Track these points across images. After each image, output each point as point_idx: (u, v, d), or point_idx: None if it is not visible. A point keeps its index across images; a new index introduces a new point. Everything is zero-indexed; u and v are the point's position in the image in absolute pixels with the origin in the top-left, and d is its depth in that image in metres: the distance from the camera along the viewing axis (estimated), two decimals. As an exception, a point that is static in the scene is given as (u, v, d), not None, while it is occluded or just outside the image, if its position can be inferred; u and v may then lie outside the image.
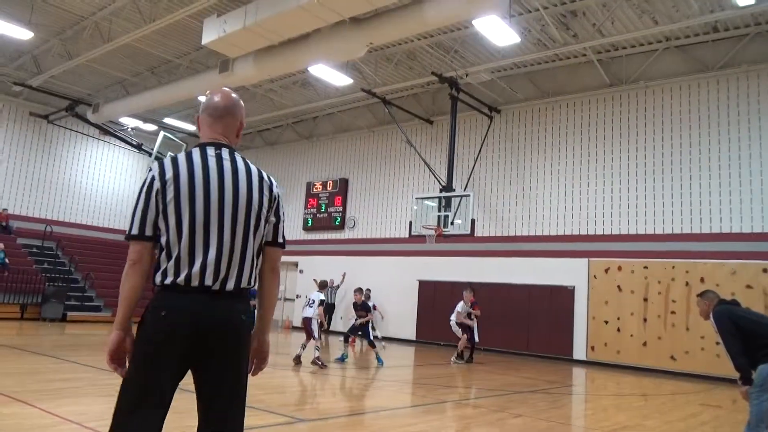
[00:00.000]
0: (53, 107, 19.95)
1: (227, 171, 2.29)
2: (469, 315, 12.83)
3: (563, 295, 14.78)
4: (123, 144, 21.25)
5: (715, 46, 13.51)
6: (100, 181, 22.34)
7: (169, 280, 2.16)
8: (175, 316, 2.14)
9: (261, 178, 2.38)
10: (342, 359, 11.42)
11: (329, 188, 20.76)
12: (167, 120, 21.11)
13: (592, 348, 14.23)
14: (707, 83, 13.68)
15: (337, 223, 20.31)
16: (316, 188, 21.15)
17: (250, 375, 2.40)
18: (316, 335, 10.60)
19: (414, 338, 17.14)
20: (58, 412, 5.34)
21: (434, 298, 16.85)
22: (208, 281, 2.17)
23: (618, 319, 13.95)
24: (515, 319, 15.31)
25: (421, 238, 15.22)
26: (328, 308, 18.52)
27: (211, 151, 2.33)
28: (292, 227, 21.80)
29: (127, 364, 2.20)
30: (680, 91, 14.05)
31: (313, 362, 10.33)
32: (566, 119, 15.76)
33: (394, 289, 17.55)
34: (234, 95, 2.50)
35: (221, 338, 2.17)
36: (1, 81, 18.85)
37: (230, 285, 2.21)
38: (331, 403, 7.58)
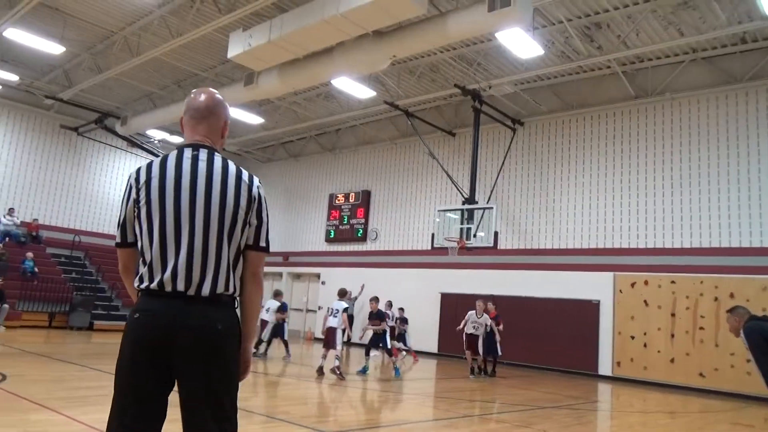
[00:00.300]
0: (83, 120, 20.41)
1: (201, 172, 2.21)
2: (485, 327, 12.47)
3: (588, 310, 14.56)
4: (150, 156, 21.60)
5: (744, 57, 13.30)
6: (127, 193, 22.69)
7: (144, 285, 2.14)
8: (146, 319, 2.10)
9: (239, 178, 2.27)
10: (363, 371, 11.38)
11: (351, 200, 20.83)
12: (193, 132, 21.36)
13: (618, 363, 13.96)
14: (735, 95, 13.45)
15: (359, 235, 20.34)
16: (339, 200, 21.23)
17: None
18: (339, 345, 10.58)
19: (436, 351, 17.02)
20: (84, 419, 5.40)
21: (456, 311, 16.68)
22: (180, 286, 2.11)
23: (644, 334, 13.68)
24: (539, 333, 15.11)
25: (443, 251, 15.15)
26: (348, 319, 18.48)
27: (187, 153, 2.26)
28: (315, 239, 21.90)
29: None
30: (707, 103, 13.84)
31: (332, 371, 10.31)
32: (590, 132, 15.62)
33: (416, 301, 17.45)
34: (217, 95, 2.42)
35: (193, 346, 2.08)
36: (34, 94, 19.36)
37: (205, 290, 2.13)
38: (353, 415, 7.56)
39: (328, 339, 10.67)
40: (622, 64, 14.33)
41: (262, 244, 2.32)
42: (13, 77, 17.35)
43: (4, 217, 19.05)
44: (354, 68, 13.09)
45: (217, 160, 2.27)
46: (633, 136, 14.84)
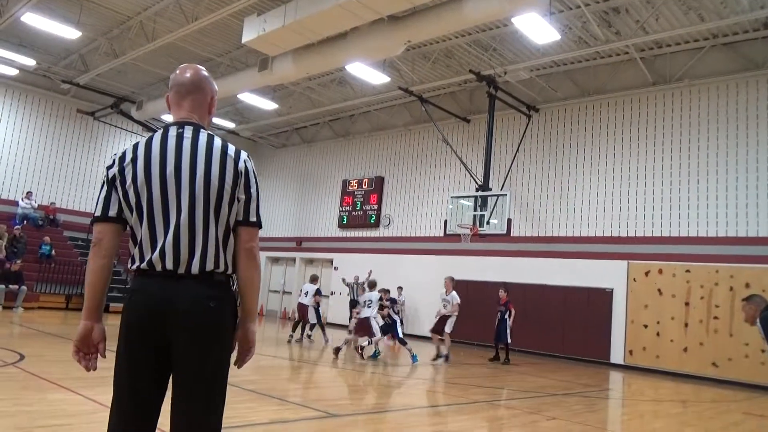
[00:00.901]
0: (99, 104, 20.56)
1: (186, 149, 2.18)
2: (453, 305, 11.83)
3: (601, 298, 14.49)
4: (165, 140, 21.76)
5: (765, 42, 13.03)
6: (142, 177, 22.89)
7: (135, 265, 2.14)
8: (138, 299, 2.11)
9: (224, 152, 2.21)
10: (375, 356, 11.46)
11: (365, 186, 20.83)
12: (207, 117, 21.46)
13: (630, 352, 13.92)
14: (756, 82, 13.20)
15: (372, 221, 20.36)
16: (352, 186, 21.24)
17: (236, 366, 2.28)
18: (378, 334, 11.13)
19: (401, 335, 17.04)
20: (100, 399, 5.50)
21: (468, 298, 16.70)
22: (169, 265, 2.10)
23: (658, 323, 13.61)
24: (551, 321, 15.09)
25: (456, 237, 15.13)
26: (354, 304, 18.60)
27: (172, 131, 2.23)
28: (328, 225, 21.96)
29: (98, 356, 2.19)
30: (727, 89, 13.60)
31: (357, 349, 10.97)
32: (607, 118, 15.44)
33: (429, 288, 17.46)
34: (203, 71, 2.38)
35: (186, 324, 2.06)
36: (51, 79, 19.52)
37: (194, 268, 2.11)
38: (364, 399, 7.62)
39: (364, 328, 11.09)
40: (641, 50, 14.11)
41: (252, 218, 2.26)
42: (31, 62, 17.50)
43: (22, 200, 19.31)
44: (368, 53, 13.02)
45: (202, 136, 2.23)
46: (650, 124, 14.65)
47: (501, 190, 15.63)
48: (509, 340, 12.78)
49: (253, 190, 2.27)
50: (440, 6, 11.19)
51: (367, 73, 15.15)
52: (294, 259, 22.98)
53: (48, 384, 6.12)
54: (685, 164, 13.93)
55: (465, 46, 14.77)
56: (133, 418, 2.10)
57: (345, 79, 17.72)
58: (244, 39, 12.70)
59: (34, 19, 13.99)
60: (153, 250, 2.11)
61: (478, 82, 15.67)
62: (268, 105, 19.29)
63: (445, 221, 15.39)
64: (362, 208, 20.75)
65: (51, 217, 20.02)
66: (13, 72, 18.63)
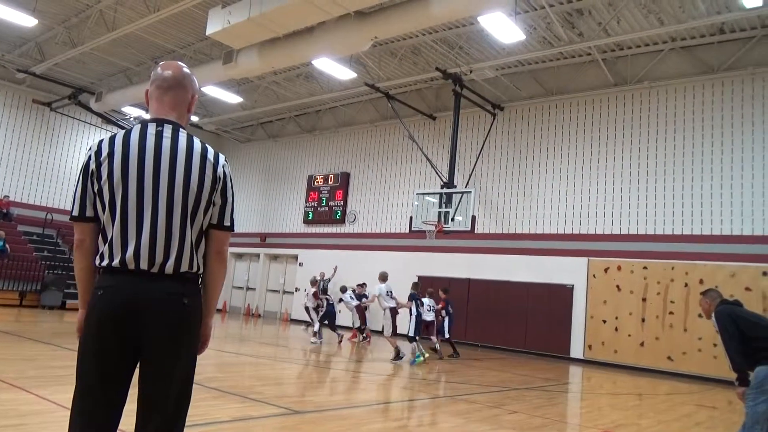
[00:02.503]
0: (56, 95, 19.94)
1: (165, 149, 2.16)
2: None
3: (562, 294, 14.79)
4: (125, 133, 21.25)
5: (721, 47, 13.47)
6: (101, 170, 22.29)
7: (105, 263, 2.11)
8: (111, 295, 2.08)
9: (204, 156, 2.22)
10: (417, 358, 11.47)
11: (330, 182, 20.75)
12: (170, 110, 21.05)
13: (590, 347, 14.25)
14: (712, 85, 13.64)
15: (337, 217, 20.30)
16: (318, 182, 21.14)
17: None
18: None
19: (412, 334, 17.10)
20: (55, 398, 5.35)
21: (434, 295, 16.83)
22: (143, 265, 2.09)
23: (616, 318, 13.96)
24: (513, 317, 15.32)
25: (421, 234, 15.21)
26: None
27: (151, 129, 2.20)
28: (293, 220, 21.81)
29: None
30: (684, 92, 14.01)
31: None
32: (570, 118, 15.73)
33: (393, 284, 17.43)
34: (185, 68, 2.36)
35: (159, 319, 2.07)
36: (5, 68, 18.83)
37: (169, 269, 2.12)
38: (326, 396, 7.61)
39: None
40: (603, 51, 14.42)
41: (227, 223, 2.30)
42: (-17, 49, 16.84)
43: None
44: (335, 49, 12.96)
45: (182, 137, 2.22)
46: (611, 124, 15.00)
47: (466, 187, 15.79)
48: (447, 335, 13.01)
49: (229, 195, 2.30)
50: (407, 3, 11.21)
51: (333, 68, 15.08)
52: (258, 255, 22.75)
53: (0, 384, 5.91)
54: (643, 164, 14.31)
55: (432, 44, 14.84)
56: (100, 415, 2.07)
57: (311, 74, 17.60)
58: (209, 31, 12.49)
59: (-13, 6, 13.45)
60: (125, 249, 2.09)
61: (444, 80, 15.77)
62: (232, 98, 19.02)
63: (411, 218, 15.45)
64: (328, 204, 20.67)
65: (4, 211, 19.34)
66: (-37, 60, 17.91)
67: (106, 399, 2.07)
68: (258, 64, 13.96)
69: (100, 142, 2.19)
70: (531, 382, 10.12)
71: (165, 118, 2.25)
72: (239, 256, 23.60)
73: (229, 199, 2.31)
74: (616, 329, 13.92)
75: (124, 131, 2.21)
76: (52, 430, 4.40)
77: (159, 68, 2.34)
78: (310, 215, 21.15)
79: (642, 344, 13.52)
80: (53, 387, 5.97)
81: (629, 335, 13.72)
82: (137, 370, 2.14)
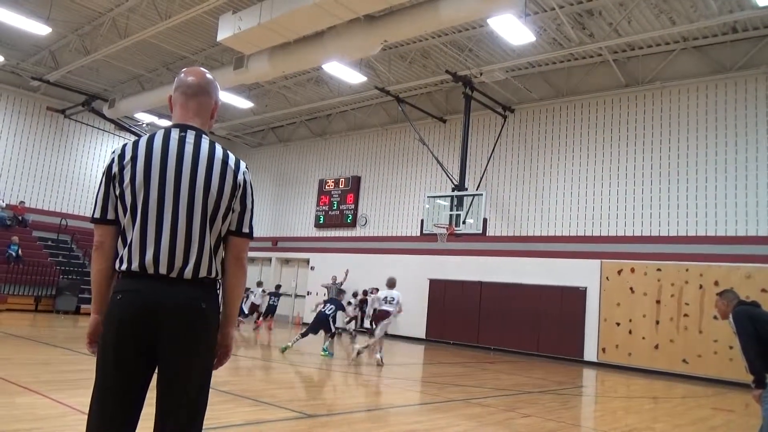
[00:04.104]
0: (70, 102, 20.16)
1: (187, 155, 2.18)
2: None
3: (575, 296, 14.69)
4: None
5: (734, 46, 13.35)
6: (115, 176, 22.51)
7: (125, 267, 2.11)
8: (130, 298, 2.08)
9: (225, 163, 2.24)
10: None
11: (341, 186, 20.79)
12: (182, 116, 21.22)
13: (603, 350, 14.13)
14: (725, 84, 13.51)
15: (348, 220, 20.33)
16: (329, 186, 21.18)
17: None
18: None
19: (424, 337, 17.12)
20: (70, 402, 5.40)
21: (445, 297, 16.83)
22: (163, 270, 2.09)
23: (630, 321, 13.84)
24: (526, 320, 15.24)
25: (432, 237, 15.20)
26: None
27: (174, 134, 2.21)
28: (304, 224, 21.87)
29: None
30: (697, 92, 13.90)
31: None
32: (581, 119, 15.66)
33: (405, 287, 17.42)
34: (209, 74, 2.38)
35: (178, 323, 2.08)
36: (20, 76, 19.08)
37: (187, 274, 2.12)
38: (340, 399, 7.60)
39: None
40: (614, 52, 14.34)
41: (246, 230, 2.31)
42: (-1, 58, 17.08)
43: (-11, 199, 18.87)
44: (345, 53, 13.00)
45: (204, 143, 2.24)
46: (623, 125, 14.90)
47: (477, 189, 15.75)
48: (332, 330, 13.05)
49: (248, 202, 2.33)
50: (417, 6, 11.23)
51: (343, 72, 15.12)
52: (270, 259, 22.83)
53: (16, 387, 5.97)
54: (656, 165, 14.20)
55: (441, 47, 14.84)
56: (118, 420, 2.07)
57: (322, 79, 17.66)
58: (220, 37, 12.58)
59: (2, 14, 13.62)
60: (144, 253, 2.09)
61: (454, 83, 15.76)
62: (243, 104, 19.13)
63: (422, 221, 15.44)
64: (339, 208, 20.71)
65: (20, 217, 19.57)
66: (-20, 68, 18.18)
67: (126, 403, 2.08)
68: (269, 69, 14.04)
69: (124, 145, 2.20)
70: (544, 385, 10.05)
71: (188, 124, 2.27)
72: (251, 260, 23.66)
73: (249, 206, 2.33)
74: (630, 332, 13.80)
75: (148, 136, 2.23)
76: (67, 434, 4.44)
77: (183, 74, 2.36)
78: (322, 219, 21.19)
79: (656, 347, 13.39)
80: (69, 391, 6.02)
81: (643, 338, 13.59)
82: (155, 374, 2.14)
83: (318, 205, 21.41)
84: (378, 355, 10.77)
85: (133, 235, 2.11)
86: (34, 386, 6.04)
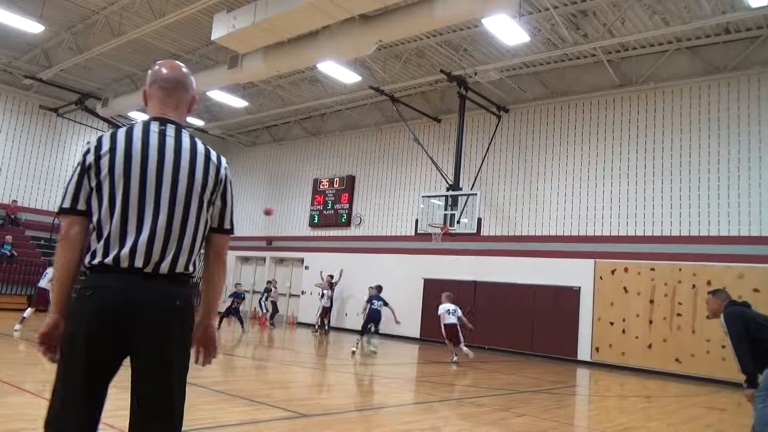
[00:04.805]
0: (63, 100, 20.06)
1: (169, 148, 2.13)
2: None
3: (569, 296, 14.74)
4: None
5: (727, 47, 13.42)
6: (108, 175, 22.44)
7: (96, 261, 2.03)
8: (102, 296, 2.00)
9: (207, 158, 2.21)
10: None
11: (336, 185, 20.77)
12: (176, 115, 21.18)
13: (597, 349, 14.18)
14: (718, 85, 13.59)
15: (343, 220, 20.32)
16: (323, 185, 21.17)
17: (199, 365, 2.29)
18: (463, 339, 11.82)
19: (418, 336, 17.13)
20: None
21: (439, 297, 16.81)
22: (138, 263, 2.03)
23: (623, 320, 13.90)
24: (520, 319, 15.28)
25: (427, 237, 15.21)
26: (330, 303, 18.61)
27: (154, 127, 2.16)
28: (299, 224, 21.84)
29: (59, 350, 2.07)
30: (690, 92, 13.97)
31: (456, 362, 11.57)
32: (575, 119, 15.70)
33: (400, 287, 17.53)
34: (185, 67, 2.33)
35: (153, 321, 2.02)
36: (12, 74, 18.97)
37: (164, 268, 2.07)
38: (334, 399, 7.60)
39: (452, 335, 11.81)
40: (608, 52, 14.39)
41: (227, 226, 2.31)
42: (-9, 56, 16.98)
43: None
44: (340, 53, 12.99)
45: (185, 137, 2.20)
46: (616, 125, 14.96)
47: (471, 189, 15.77)
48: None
49: (229, 198, 2.31)
50: (411, 6, 11.23)
51: (338, 71, 15.11)
52: (264, 259, 22.79)
53: (9, 387, 5.94)
54: (649, 164, 14.25)
55: (436, 46, 14.85)
56: (86, 422, 2.02)
57: (316, 78, 17.65)
58: (214, 36, 12.55)
59: (-6, 12, 13.56)
60: (122, 246, 2.03)
61: (448, 82, 15.78)
62: (238, 103, 19.08)
63: (417, 220, 15.46)
64: (333, 207, 20.69)
65: (12, 215, 19.45)
66: (-28, 66, 18.06)
67: (93, 404, 2.03)
68: (263, 68, 14.02)
69: (100, 137, 2.13)
70: (538, 384, 10.08)
71: (167, 117, 2.22)
72: (245, 260, 23.64)
73: (229, 203, 2.31)
74: (624, 331, 13.85)
75: (125, 128, 2.16)
76: None
77: (160, 68, 2.30)
78: (316, 218, 21.17)
79: (650, 346, 13.45)
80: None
81: (637, 337, 13.65)
82: (129, 375, 2.09)
83: (312, 204, 21.39)
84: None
85: (111, 228, 2.04)
86: (27, 386, 6.02)
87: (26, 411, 5.06)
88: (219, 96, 18.24)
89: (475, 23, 13.20)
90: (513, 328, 15.33)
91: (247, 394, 6.60)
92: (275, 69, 14.24)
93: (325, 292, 17.67)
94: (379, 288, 13.42)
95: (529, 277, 15.45)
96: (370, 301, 12.96)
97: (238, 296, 16.31)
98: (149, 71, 2.33)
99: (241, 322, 15.87)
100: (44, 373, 7.22)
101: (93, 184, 2.06)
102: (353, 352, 12.13)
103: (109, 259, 2.02)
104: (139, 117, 20.92)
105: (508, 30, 11.76)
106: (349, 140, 20.98)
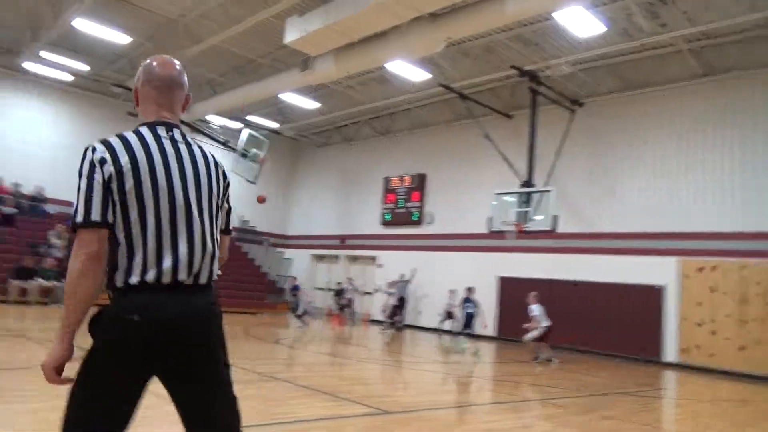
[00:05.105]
0: (147, 107, 21.12)
1: (185, 156, 2.09)
2: None
3: (651, 295, 14.14)
4: (211, 141, 22.13)
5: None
6: (188, 177, 23.50)
7: (135, 280, 1.91)
8: (152, 316, 1.89)
9: (215, 162, 2.20)
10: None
11: (407, 183, 20.84)
12: (250, 117, 21.89)
13: (684, 350, 13.54)
14: (815, 70, 12.64)
15: (415, 218, 20.36)
16: (394, 184, 21.28)
17: None
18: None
19: (495, 335, 16.93)
20: (158, 393, 5.66)
21: (515, 295, 16.55)
22: (182, 276, 1.96)
23: (712, 321, 13.19)
24: (599, 319, 14.80)
25: (500, 234, 15.00)
26: (401, 302, 18.71)
27: (162, 132, 2.09)
28: (371, 222, 22.04)
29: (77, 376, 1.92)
30: (783, 78, 13.07)
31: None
32: (654, 111, 15.04)
33: (473, 285, 17.39)
34: (179, 64, 2.23)
35: (204, 331, 2.01)
36: (102, 82, 20.16)
37: (203, 278, 2.04)
38: (413, 396, 7.64)
39: (548, 336, 11.93)
40: (689, 41, 13.66)
41: (231, 227, 2.39)
42: (85, 67, 18.13)
43: (77, 201, 20.04)
44: (409, 51, 13.02)
45: (193, 143, 2.18)
46: (699, 116, 14.21)
47: (545, 186, 15.40)
48: None
49: (230, 200, 2.37)
50: (481, 2, 11.09)
51: (407, 70, 15.15)
52: (337, 257, 23.18)
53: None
54: (736, 157, 13.45)
55: (506, 41, 14.59)
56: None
57: (385, 77, 17.74)
58: (287, 40, 12.84)
59: (85, 25, 14.46)
60: (161, 261, 1.94)
61: (519, 78, 15.48)
62: (309, 104, 19.48)
63: (489, 218, 15.27)
64: (405, 206, 20.77)
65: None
66: (68, 78, 19.34)
67: (124, 418, 1.97)
68: (334, 69, 14.25)
69: (109, 143, 2.00)
70: (622, 386, 9.74)
71: (170, 121, 2.16)
72: (320, 258, 24.13)
73: (230, 204, 2.39)
74: (713, 332, 13.15)
75: (134, 135, 2.06)
76: (157, 424, 4.67)
77: (152, 65, 2.20)
78: (388, 217, 21.32)
79: (742, 348, 12.71)
80: (155, 384, 6.32)
81: (727, 338, 12.92)
82: (179, 392, 2.04)
83: (384, 202, 21.55)
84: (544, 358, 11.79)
85: (148, 244, 1.94)
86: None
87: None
88: (291, 98, 18.69)
89: (546, 16, 12.87)
90: (592, 328, 14.88)
91: (330, 390, 6.74)
92: (345, 70, 14.44)
93: (390, 291, 17.76)
94: (471, 290, 13.39)
95: (609, 276, 14.93)
96: (464, 302, 13.00)
97: (296, 289, 16.63)
98: (141, 68, 2.22)
99: (301, 317, 15.99)
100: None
101: (116, 198, 1.93)
102: (468, 351, 12.13)
103: (149, 276, 1.93)
104: (216, 120, 21.79)
105: (581, 22, 11.41)
106: (419, 138, 20.98)
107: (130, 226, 1.93)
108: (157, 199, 1.97)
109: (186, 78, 2.24)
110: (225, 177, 2.24)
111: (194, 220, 2.04)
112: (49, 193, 19.74)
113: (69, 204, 19.70)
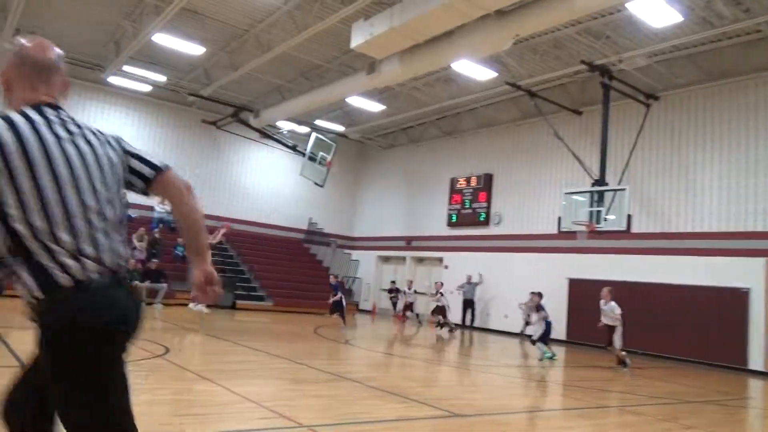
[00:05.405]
0: (220, 114, 21.97)
1: (78, 136, 1.92)
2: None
3: (735, 298, 13.37)
4: (280, 146, 22.82)
5: None
6: (260, 181, 24.26)
7: (78, 275, 1.80)
8: (119, 312, 1.91)
9: (115, 139, 2.10)
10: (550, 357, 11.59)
11: (473, 184, 20.66)
12: (318, 122, 22.36)
13: (772, 357, 12.74)
14: None
15: (482, 219, 20.15)
16: (460, 184, 21.14)
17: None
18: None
19: (565, 338, 16.51)
20: (238, 390, 5.91)
21: (586, 298, 16.07)
22: (108, 262, 1.88)
23: (804, 326, 12.35)
24: (677, 323, 14.15)
25: (570, 235, 14.63)
26: (468, 304, 18.54)
27: (50, 113, 1.91)
28: (437, 223, 21.99)
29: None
30: None
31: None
32: (737, 103, 14.23)
33: (542, 287, 16.92)
34: (54, 46, 2.04)
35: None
36: (178, 92, 21.13)
37: (123, 261, 1.98)
38: (484, 399, 7.58)
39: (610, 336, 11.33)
40: (776, 26, 12.86)
41: (157, 163, 2.24)
42: (162, 78, 19.08)
43: (158, 205, 21.03)
44: (475, 50, 12.92)
45: (81, 121, 2.01)
46: (789, 107, 13.33)
47: (619, 184, 14.88)
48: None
49: (131, 147, 2.19)
50: (550, -3, 10.86)
51: (473, 69, 15.03)
52: (404, 258, 23.26)
53: (192, 375, 6.66)
54: (833, 150, 12.53)
55: (575, 36, 14.20)
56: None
57: (450, 77, 17.67)
58: (353, 44, 13.02)
59: (164, 39, 15.24)
60: (81, 252, 1.85)
61: (590, 72, 15.04)
62: (375, 107, 19.67)
63: (559, 218, 14.91)
64: (471, 206, 20.60)
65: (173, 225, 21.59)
66: (147, 88, 20.40)
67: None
68: (400, 71, 14.33)
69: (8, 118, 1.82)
70: (704, 394, 9.29)
71: (53, 102, 1.97)
72: (386, 259, 24.30)
73: (135, 149, 2.25)
74: (805, 338, 12.30)
75: (18, 115, 1.85)
76: (239, 420, 4.87)
77: (26, 45, 2.00)
78: (454, 218, 21.21)
79: (838, 355, 11.83)
80: (234, 380, 6.59)
81: (821, 345, 12.06)
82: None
83: (450, 203, 21.45)
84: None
85: (65, 232, 1.83)
86: (207, 374, 6.70)
87: (210, 398, 5.64)
88: (357, 101, 18.94)
89: (618, 8, 12.44)
90: (670, 333, 14.24)
91: (400, 391, 6.80)
92: (411, 72, 14.49)
93: (440, 292, 17.53)
94: (540, 295, 12.98)
95: (688, 278, 14.24)
96: (540, 308, 12.59)
97: (336, 288, 16.34)
98: (12, 51, 2.01)
99: (343, 317, 15.70)
100: (220, 363, 7.98)
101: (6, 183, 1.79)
102: (550, 357, 11.82)
103: (89, 269, 1.87)
104: (285, 125, 22.38)
105: (656, 11, 10.96)
106: (486, 138, 20.75)
107: (33, 212, 1.81)
108: (59, 185, 1.83)
109: (63, 63, 2.06)
110: (119, 143, 2.09)
111: (101, 201, 1.93)
112: (131, 198, 20.86)
113: (150, 208, 20.78)
